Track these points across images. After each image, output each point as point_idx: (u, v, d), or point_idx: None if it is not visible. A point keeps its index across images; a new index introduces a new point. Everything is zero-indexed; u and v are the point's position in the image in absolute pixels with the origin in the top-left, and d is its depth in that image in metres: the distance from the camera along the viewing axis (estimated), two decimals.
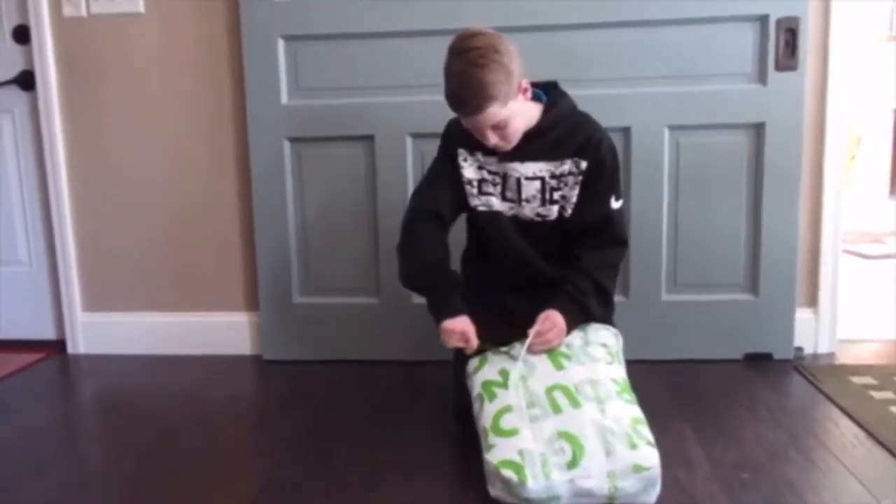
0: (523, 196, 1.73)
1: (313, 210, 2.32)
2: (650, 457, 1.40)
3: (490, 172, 1.75)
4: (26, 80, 2.44)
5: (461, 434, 1.74)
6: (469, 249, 1.92)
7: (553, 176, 1.71)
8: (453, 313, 1.68)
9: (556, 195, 1.72)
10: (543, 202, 1.73)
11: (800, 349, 2.26)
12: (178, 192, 2.42)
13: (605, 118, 2.11)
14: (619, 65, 2.14)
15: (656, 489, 1.40)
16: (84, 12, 2.35)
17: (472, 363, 1.71)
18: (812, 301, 2.29)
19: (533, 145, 1.69)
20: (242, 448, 1.81)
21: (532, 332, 1.63)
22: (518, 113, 1.63)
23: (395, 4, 2.18)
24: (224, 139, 2.37)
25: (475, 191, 1.77)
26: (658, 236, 2.20)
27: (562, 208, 1.73)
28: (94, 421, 2.06)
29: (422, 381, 2.16)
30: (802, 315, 2.26)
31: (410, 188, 2.25)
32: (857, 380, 2.05)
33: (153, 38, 2.34)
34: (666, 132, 2.16)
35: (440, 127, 2.20)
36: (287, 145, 2.29)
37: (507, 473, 1.40)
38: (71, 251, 2.49)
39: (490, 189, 1.76)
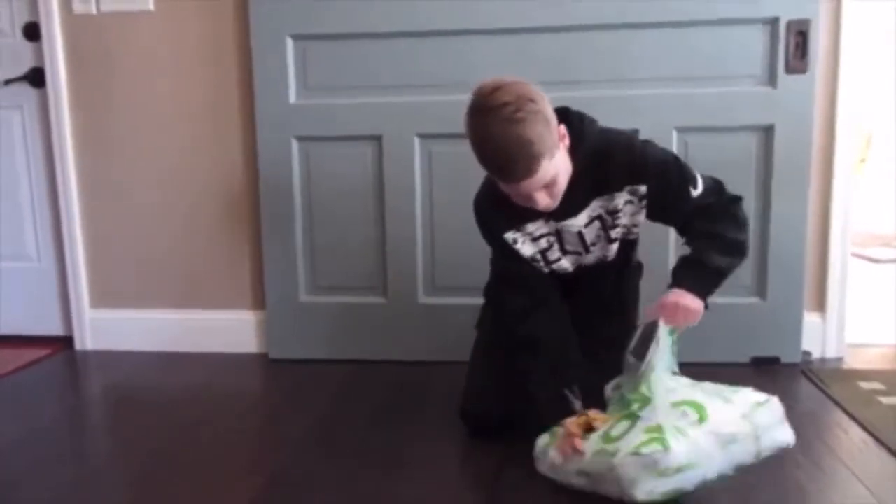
0: (588, 243, 1.61)
1: (320, 209, 2.32)
2: (761, 393, 1.41)
3: (542, 236, 1.61)
4: (36, 77, 2.45)
5: (467, 435, 1.74)
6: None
7: (608, 212, 1.57)
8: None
9: (613, 233, 1.60)
10: (608, 241, 1.61)
11: (808, 353, 2.25)
12: (186, 190, 2.42)
13: (613, 120, 2.10)
14: (628, 66, 2.14)
15: (786, 423, 1.40)
16: (94, 9, 2.36)
17: (542, 441, 1.56)
18: (820, 305, 2.27)
19: (578, 192, 1.52)
20: (248, 445, 1.81)
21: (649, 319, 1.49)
22: (562, 163, 1.46)
23: (404, 4, 2.18)
24: (232, 137, 2.37)
25: (543, 264, 1.64)
26: (665, 239, 2.20)
27: (624, 236, 1.63)
28: (101, 417, 2.07)
29: (428, 380, 2.16)
30: (810, 319, 2.25)
31: (418, 188, 2.26)
32: (865, 384, 2.04)
33: (162, 36, 2.35)
34: (675, 134, 2.15)
35: (448, 127, 2.20)
36: (295, 144, 2.29)
37: (650, 448, 1.31)
38: (79, 247, 2.50)
39: (556, 255, 1.63)
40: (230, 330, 2.45)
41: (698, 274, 1.53)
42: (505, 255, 1.65)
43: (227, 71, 2.34)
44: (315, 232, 2.33)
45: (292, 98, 2.27)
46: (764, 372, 2.15)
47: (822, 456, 1.63)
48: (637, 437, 1.36)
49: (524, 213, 1.55)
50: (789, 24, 2.08)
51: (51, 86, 2.41)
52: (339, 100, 2.25)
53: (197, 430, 1.87)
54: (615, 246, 1.62)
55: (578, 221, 1.58)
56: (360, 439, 1.78)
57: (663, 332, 1.46)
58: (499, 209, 1.57)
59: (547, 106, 1.40)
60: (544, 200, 1.46)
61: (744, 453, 1.36)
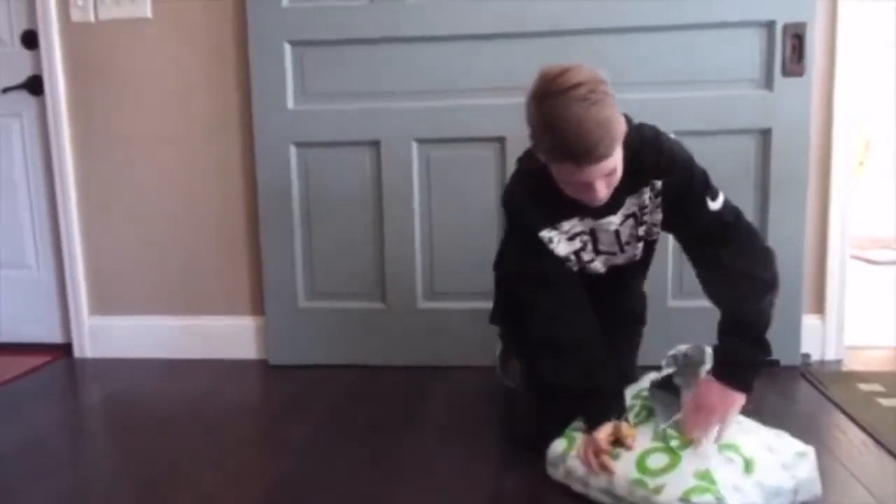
0: (623, 241, 1.58)
1: (319, 214, 2.32)
2: (801, 443, 1.43)
3: (576, 236, 1.56)
4: (35, 85, 2.46)
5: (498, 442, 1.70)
6: None
7: (641, 209, 1.54)
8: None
9: (641, 230, 1.57)
10: (636, 240, 1.59)
11: (807, 356, 2.25)
12: (184, 196, 2.43)
13: None
14: (624, 70, 2.14)
15: (818, 475, 1.42)
16: (92, 17, 2.37)
17: (557, 447, 1.54)
18: (819, 307, 2.28)
19: (618, 189, 1.46)
20: (248, 452, 1.81)
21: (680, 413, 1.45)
22: (620, 154, 1.40)
23: (401, 10, 2.18)
24: (231, 144, 2.37)
25: (575, 265, 1.59)
26: (664, 243, 2.19)
27: (648, 236, 1.59)
28: (101, 424, 2.07)
29: (428, 386, 2.16)
30: (809, 321, 2.25)
31: (416, 193, 2.27)
32: (864, 387, 2.04)
33: (161, 44, 2.36)
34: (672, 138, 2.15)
35: (446, 132, 2.22)
36: (293, 150, 2.29)
37: (704, 499, 1.30)
38: (78, 255, 2.50)
39: (589, 255, 1.59)
40: (229, 336, 2.45)
41: (738, 378, 1.45)
42: (535, 253, 1.56)
43: (225, 77, 2.34)
44: (314, 237, 2.34)
45: (290, 104, 2.27)
46: (763, 374, 2.14)
47: (821, 457, 1.62)
48: (685, 480, 1.34)
49: (560, 211, 1.51)
50: (785, 28, 2.08)
51: (49, 94, 2.42)
52: (337, 105, 2.26)
53: (196, 436, 1.87)
54: (641, 244, 1.60)
55: (616, 220, 1.54)
56: (359, 445, 1.78)
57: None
58: (535, 205, 1.52)
59: (613, 92, 1.37)
60: (603, 191, 1.40)
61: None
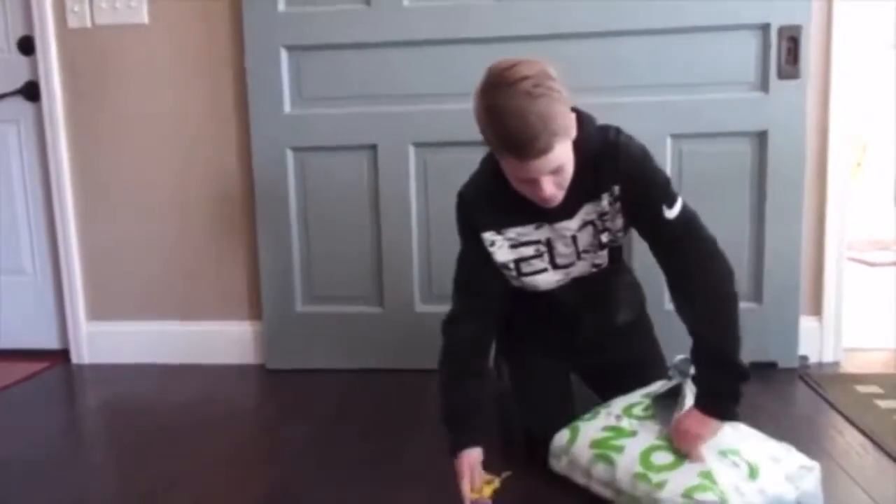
0: (580, 249, 1.53)
1: (316, 219, 2.32)
2: (807, 458, 1.43)
3: (529, 244, 1.53)
4: (31, 91, 2.46)
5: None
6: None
7: (599, 216, 1.50)
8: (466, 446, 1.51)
9: (604, 237, 1.52)
10: (597, 248, 1.54)
11: (804, 358, 2.25)
12: (181, 202, 2.43)
13: None
14: (621, 73, 2.15)
15: (821, 491, 1.42)
16: (89, 23, 2.37)
17: (562, 438, 1.54)
18: (816, 309, 2.28)
19: (573, 194, 1.43)
20: (245, 457, 1.80)
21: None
22: (570, 155, 1.38)
23: (397, 14, 2.19)
24: (228, 148, 2.37)
25: (514, 273, 1.55)
26: None
27: (612, 242, 1.54)
28: (98, 430, 2.06)
29: (425, 390, 2.15)
30: (807, 323, 2.25)
31: (413, 197, 2.26)
32: (862, 389, 2.04)
33: (157, 49, 2.36)
34: (668, 140, 2.16)
35: (442, 136, 2.22)
36: (290, 154, 2.29)
37: (704, 496, 1.30)
38: (75, 261, 2.49)
39: (535, 265, 1.54)
40: (227, 341, 2.45)
41: (717, 408, 1.41)
42: (474, 257, 1.56)
43: (222, 82, 2.35)
44: (311, 242, 2.33)
45: (287, 109, 2.27)
46: (761, 377, 2.15)
47: (819, 460, 1.62)
48: (689, 477, 1.34)
49: (512, 216, 1.50)
50: (781, 30, 2.09)
51: (46, 100, 2.42)
52: (333, 110, 2.26)
53: (195, 441, 1.87)
54: (606, 252, 1.55)
55: (572, 225, 1.50)
56: (358, 449, 1.78)
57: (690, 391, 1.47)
58: (486, 204, 1.51)
59: (563, 88, 1.34)
60: (550, 188, 1.37)
61: None
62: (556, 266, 1.55)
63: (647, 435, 1.47)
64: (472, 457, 1.49)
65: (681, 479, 1.35)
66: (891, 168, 4.59)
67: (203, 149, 2.39)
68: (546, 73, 1.34)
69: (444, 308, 2.27)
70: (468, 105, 2.17)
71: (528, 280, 1.56)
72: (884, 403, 1.93)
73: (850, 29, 2.15)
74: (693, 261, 1.44)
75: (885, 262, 3.92)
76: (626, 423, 1.51)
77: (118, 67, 2.38)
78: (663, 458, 1.40)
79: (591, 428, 1.53)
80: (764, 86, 2.12)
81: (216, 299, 2.45)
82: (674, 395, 1.51)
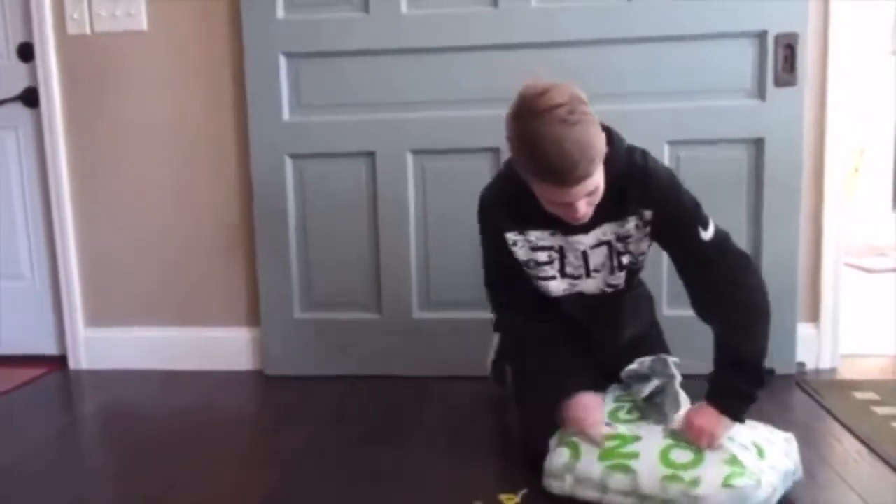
0: (591, 267, 1.54)
1: (315, 226, 2.33)
2: (781, 431, 1.54)
3: (543, 249, 1.54)
4: (30, 97, 2.46)
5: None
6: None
7: (619, 238, 1.52)
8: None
9: (625, 259, 1.54)
10: (612, 270, 1.55)
11: (802, 364, 2.26)
12: (180, 208, 2.43)
13: None
14: (619, 81, 2.15)
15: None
16: (88, 30, 2.37)
17: (561, 457, 1.51)
18: (814, 316, 2.28)
19: (597, 207, 1.44)
20: (243, 462, 1.80)
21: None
22: (602, 171, 1.38)
23: (396, 22, 2.19)
24: (226, 155, 2.38)
25: (531, 272, 1.58)
26: (658, 252, 2.20)
27: (632, 265, 1.57)
28: (96, 436, 2.06)
29: (423, 396, 2.16)
30: (804, 330, 2.25)
31: (412, 204, 2.27)
32: (859, 395, 2.04)
33: (156, 56, 2.36)
34: (666, 147, 2.16)
35: (440, 143, 2.23)
36: (288, 161, 2.30)
37: (742, 482, 1.36)
38: (73, 266, 2.50)
39: (546, 271, 1.56)
40: (225, 347, 2.45)
41: (734, 409, 1.46)
42: (498, 254, 1.60)
43: (221, 90, 2.35)
44: (309, 248, 2.34)
45: (286, 116, 2.28)
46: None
47: (816, 466, 1.63)
48: (718, 468, 1.38)
49: (532, 219, 1.50)
50: (777, 38, 2.09)
51: (45, 106, 2.42)
52: (332, 117, 2.27)
53: (192, 447, 1.87)
54: (623, 274, 1.56)
55: (586, 240, 1.51)
56: (355, 456, 1.78)
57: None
58: (509, 207, 1.52)
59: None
60: (584, 209, 1.38)
61: (787, 487, 1.46)
62: (564, 275, 1.56)
63: (653, 436, 1.48)
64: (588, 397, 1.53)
65: (712, 471, 1.38)
66: (889, 174, 4.60)
67: (202, 155, 2.39)
68: (578, 97, 1.34)
69: (442, 315, 2.31)
70: (466, 112, 2.21)
71: (541, 283, 1.58)
72: (881, 410, 1.93)
73: (847, 36, 2.16)
74: (726, 278, 1.47)
75: (883, 268, 3.92)
76: (624, 429, 1.51)
77: (117, 74, 2.39)
78: (683, 455, 1.42)
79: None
80: (761, 93, 2.12)
81: (214, 305, 2.45)
82: (657, 394, 1.57)
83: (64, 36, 2.39)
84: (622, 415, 1.56)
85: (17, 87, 2.47)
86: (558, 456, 1.51)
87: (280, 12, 2.23)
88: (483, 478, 1.62)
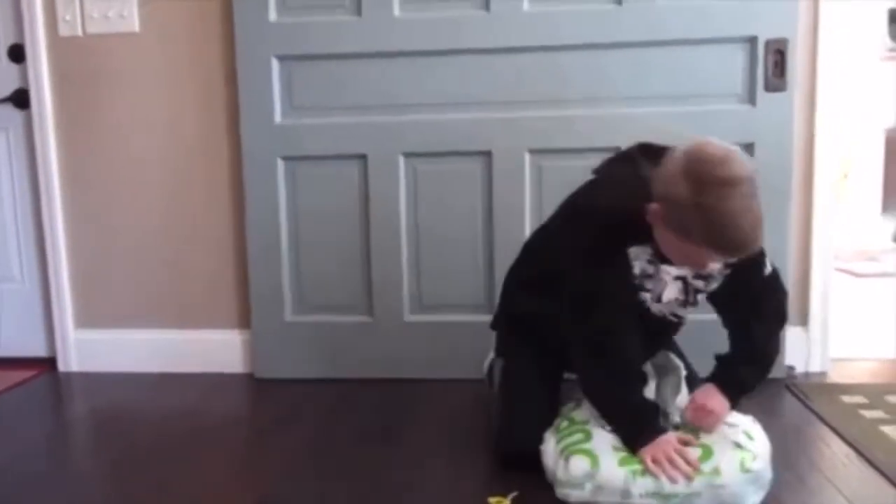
0: (664, 298, 1.57)
1: (306, 228, 2.32)
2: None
3: (649, 263, 1.54)
4: (21, 99, 2.45)
5: (504, 467, 1.66)
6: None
7: (697, 276, 1.55)
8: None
9: (700, 297, 1.58)
10: (685, 304, 1.59)
11: (791, 368, 2.27)
12: (172, 210, 2.42)
13: (594, 139, 2.13)
14: (610, 85, 2.16)
15: None
16: (80, 32, 2.37)
17: (581, 465, 1.49)
18: (803, 319, 2.29)
19: None
20: (234, 466, 1.80)
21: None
22: None
23: (389, 25, 2.20)
24: (218, 158, 2.38)
25: (639, 282, 1.56)
26: None
27: (695, 302, 1.61)
28: (86, 439, 2.06)
29: (415, 399, 2.16)
30: (794, 334, 2.26)
31: (403, 206, 2.27)
32: (848, 399, 2.05)
33: (148, 58, 2.36)
34: None
35: (432, 146, 2.23)
36: (280, 164, 2.30)
37: (757, 465, 1.45)
38: (63, 268, 2.49)
39: (647, 285, 1.56)
40: (215, 350, 2.44)
41: (741, 382, 1.55)
42: (616, 278, 1.53)
43: (213, 92, 2.35)
44: (301, 250, 2.34)
45: (278, 118, 2.28)
46: None
47: (804, 470, 1.64)
48: (730, 455, 1.45)
49: (641, 238, 1.49)
50: (768, 43, 2.11)
51: (35, 107, 2.41)
52: (324, 119, 2.27)
53: (183, 450, 1.86)
54: (691, 309, 1.61)
55: (671, 272, 1.54)
56: (346, 459, 1.78)
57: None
58: (629, 226, 1.48)
59: None
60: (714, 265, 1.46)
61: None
62: (645, 290, 1.57)
63: None
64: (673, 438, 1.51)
65: (726, 459, 1.45)
66: (878, 179, 4.63)
67: (193, 158, 2.39)
68: (752, 168, 1.36)
69: (434, 317, 2.31)
70: (459, 115, 2.22)
71: (643, 295, 1.56)
72: (870, 414, 1.94)
73: (837, 42, 2.17)
74: (773, 307, 1.61)
75: (873, 272, 3.94)
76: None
77: (109, 76, 2.38)
78: (693, 452, 1.47)
79: (604, 445, 1.51)
80: (751, 98, 2.14)
81: (205, 307, 2.45)
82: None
83: (55, 37, 2.38)
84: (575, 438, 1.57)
85: (8, 89, 2.46)
86: (576, 465, 1.49)
87: (272, 15, 2.23)
88: (475, 480, 1.62)
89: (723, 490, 1.43)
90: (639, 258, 1.53)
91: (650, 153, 1.51)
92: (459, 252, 2.28)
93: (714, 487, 1.43)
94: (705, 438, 1.50)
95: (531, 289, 1.73)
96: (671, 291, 1.57)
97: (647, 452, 1.47)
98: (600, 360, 1.54)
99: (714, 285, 1.58)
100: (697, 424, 1.52)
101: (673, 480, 1.43)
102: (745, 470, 1.44)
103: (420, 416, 2.04)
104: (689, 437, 1.50)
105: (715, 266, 1.47)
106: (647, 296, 1.57)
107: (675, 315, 1.63)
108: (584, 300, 1.53)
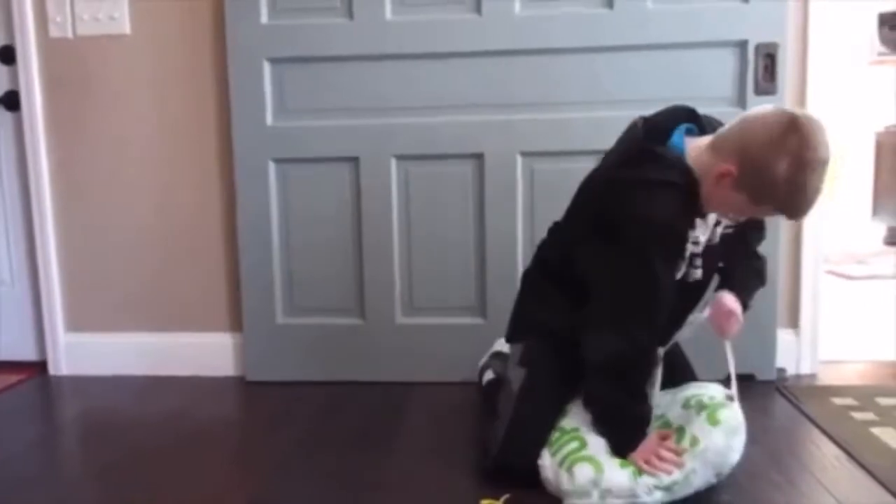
0: (714, 243, 1.59)
1: (298, 231, 2.32)
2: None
3: (696, 242, 1.55)
4: (11, 101, 2.44)
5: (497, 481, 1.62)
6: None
7: (727, 226, 1.60)
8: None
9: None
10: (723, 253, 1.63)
11: (782, 370, 2.28)
12: (162, 213, 2.42)
13: (586, 142, 2.13)
14: (600, 89, 2.17)
15: None
16: (70, 33, 2.36)
17: (586, 473, 1.50)
18: (794, 322, 2.30)
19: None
20: (225, 469, 1.79)
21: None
22: None
23: (380, 28, 2.20)
24: (209, 160, 2.37)
25: (686, 269, 1.56)
26: None
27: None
28: (76, 442, 2.04)
29: (407, 401, 2.16)
30: (784, 336, 2.28)
31: (395, 209, 2.27)
32: (838, 401, 2.06)
33: (139, 60, 2.35)
34: None
35: (424, 149, 2.24)
36: (272, 166, 2.29)
37: (724, 413, 1.52)
38: (54, 271, 2.47)
39: (696, 261, 1.56)
40: (207, 353, 2.43)
41: (752, 291, 1.69)
42: (667, 283, 1.51)
43: (204, 94, 2.34)
44: (292, 253, 2.33)
45: (269, 120, 2.28)
46: (739, 389, 2.16)
47: (795, 471, 1.65)
48: (699, 419, 1.53)
49: (692, 220, 1.52)
50: (758, 47, 2.12)
51: (26, 109, 2.40)
52: (316, 122, 2.26)
53: (174, 453, 1.86)
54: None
55: (712, 216, 1.56)
56: (338, 461, 1.78)
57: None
58: (684, 219, 1.50)
59: None
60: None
61: None
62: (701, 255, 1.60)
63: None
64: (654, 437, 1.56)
65: (696, 425, 1.52)
66: (868, 182, 4.66)
67: (185, 159, 2.38)
68: None
69: (426, 320, 2.31)
70: (450, 118, 2.22)
71: (692, 271, 1.57)
72: (860, 416, 1.95)
73: (826, 45, 2.19)
74: (759, 256, 1.77)
75: (863, 275, 3.96)
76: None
77: (99, 78, 2.38)
78: (672, 442, 1.53)
79: (601, 450, 1.54)
80: (741, 101, 2.14)
81: (196, 310, 2.44)
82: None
83: (46, 39, 2.37)
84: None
85: None
86: (581, 473, 1.49)
87: (264, 17, 2.23)
88: (466, 483, 1.62)
89: (708, 453, 1.48)
90: (699, 233, 1.53)
91: (655, 130, 1.56)
92: (451, 255, 2.28)
93: (700, 456, 1.48)
94: (674, 421, 1.58)
95: (564, 304, 1.65)
96: (714, 235, 1.58)
97: (638, 456, 1.51)
98: (622, 377, 1.53)
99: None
100: (721, 331, 1.61)
101: (668, 473, 1.47)
102: (714, 422, 1.50)
103: (412, 419, 2.04)
104: (664, 431, 1.56)
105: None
106: (698, 267, 1.58)
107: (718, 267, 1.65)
108: (627, 313, 1.51)
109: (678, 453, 1.49)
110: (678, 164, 1.49)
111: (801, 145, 1.35)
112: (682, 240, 1.51)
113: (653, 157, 1.50)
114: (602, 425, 1.58)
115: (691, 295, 1.62)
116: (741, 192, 1.43)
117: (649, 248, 1.46)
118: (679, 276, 1.55)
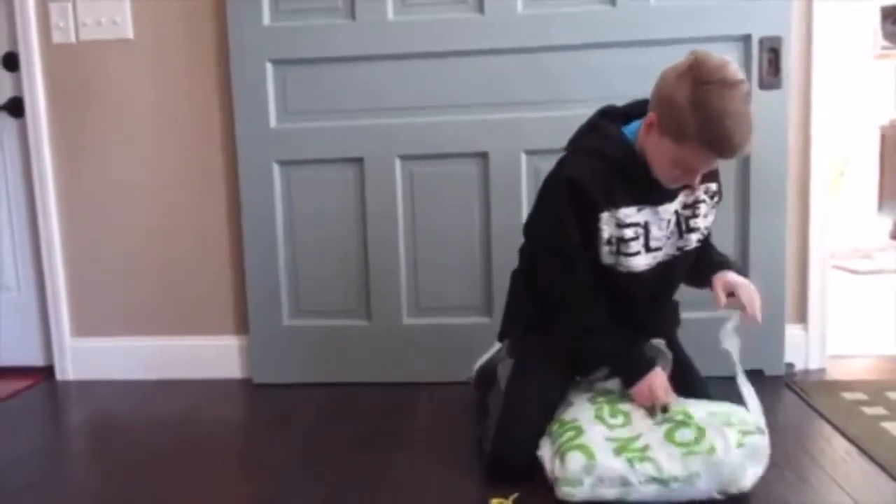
0: (667, 234, 1.61)
1: (303, 232, 2.32)
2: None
3: (630, 226, 1.56)
4: (15, 107, 2.45)
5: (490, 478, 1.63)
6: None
7: (685, 206, 1.61)
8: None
9: (692, 223, 1.62)
10: (680, 234, 1.62)
11: (791, 365, 2.27)
12: (167, 217, 2.42)
13: None
14: (604, 86, 2.16)
15: None
16: (73, 39, 2.36)
17: (577, 462, 1.49)
18: (802, 317, 2.29)
19: None
20: (232, 471, 1.79)
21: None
22: None
23: (383, 28, 2.20)
24: (213, 163, 2.37)
25: (612, 248, 1.58)
26: None
27: (700, 233, 1.65)
28: (83, 447, 2.04)
29: (412, 403, 2.15)
30: (793, 332, 2.27)
31: (400, 209, 2.27)
32: (848, 395, 2.05)
33: (142, 64, 2.36)
34: None
35: (428, 149, 2.23)
36: (276, 168, 2.29)
37: (752, 439, 1.49)
38: (59, 277, 2.48)
39: (632, 248, 1.57)
40: (213, 356, 2.43)
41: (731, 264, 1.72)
42: (576, 249, 1.57)
43: (207, 97, 2.34)
44: (297, 255, 2.33)
45: (273, 122, 2.27)
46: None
47: (805, 467, 1.64)
48: (723, 432, 1.48)
49: (620, 196, 1.54)
50: (762, 42, 2.11)
51: (30, 115, 2.40)
52: (319, 123, 2.26)
53: (181, 457, 1.85)
54: (693, 236, 1.64)
55: (671, 208, 1.59)
56: (344, 463, 1.77)
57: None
58: (600, 186, 1.53)
59: None
60: (699, 178, 1.52)
61: None
62: (648, 249, 1.60)
63: (650, 430, 1.52)
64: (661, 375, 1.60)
65: (720, 436, 1.47)
66: (874, 176, 4.64)
67: (189, 163, 2.38)
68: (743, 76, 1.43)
69: (432, 321, 2.31)
70: (454, 118, 2.21)
71: (623, 261, 1.58)
72: (870, 410, 1.94)
73: (831, 39, 2.18)
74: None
75: (869, 269, 3.95)
76: (618, 420, 1.55)
77: (103, 82, 2.38)
78: (686, 434, 1.49)
79: (597, 437, 1.52)
80: None
81: (202, 314, 2.44)
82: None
83: (49, 45, 2.38)
84: (607, 419, 1.57)
85: (2, 97, 2.46)
86: (572, 461, 1.49)
87: (266, 19, 2.23)
88: (474, 484, 1.62)
89: (721, 467, 1.45)
90: (629, 218, 1.55)
91: (613, 113, 1.64)
92: (457, 254, 2.27)
93: (711, 466, 1.45)
94: (698, 420, 1.51)
95: (537, 297, 1.70)
96: (671, 226, 1.60)
97: (636, 392, 1.58)
98: (569, 312, 1.61)
99: (700, 221, 1.63)
100: (751, 307, 1.61)
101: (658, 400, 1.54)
102: (739, 444, 1.47)
103: (419, 420, 2.03)
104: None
105: (698, 179, 1.51)
106: (637, 259, 1.58)
107: (679, 248, 1.64)
108: (556, 260, 1.61)
109: (666, 397, 1.55)
110: (616, 139, 1.56)
111: (698, 70, 1.41)
112: (592, 204, 1.54)
113: (594, 129, 1.61)
114: (583, 364, 1.71)
115: (637, 287, 1.63)
116: (665, 137, 1.46)
117: (555, 202, 1.57)
118: (609, 259, 1.59)
